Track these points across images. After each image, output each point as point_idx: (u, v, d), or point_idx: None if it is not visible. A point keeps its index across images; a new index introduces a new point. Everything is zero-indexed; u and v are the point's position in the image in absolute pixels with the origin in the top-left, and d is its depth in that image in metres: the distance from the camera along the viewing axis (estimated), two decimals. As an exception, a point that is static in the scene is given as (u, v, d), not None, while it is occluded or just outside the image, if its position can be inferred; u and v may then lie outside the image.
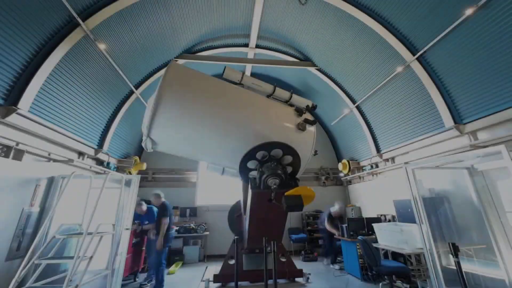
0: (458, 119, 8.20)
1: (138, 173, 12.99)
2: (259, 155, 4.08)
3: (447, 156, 8.41)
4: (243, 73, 5.02)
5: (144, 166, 13.15)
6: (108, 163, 11.15)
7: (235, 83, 5.02)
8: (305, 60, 13.35)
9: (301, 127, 4.58)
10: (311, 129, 4.74)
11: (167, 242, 8.68)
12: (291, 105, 5.01)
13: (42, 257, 5.71)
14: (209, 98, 4.30)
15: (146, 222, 9.59)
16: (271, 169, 4.03)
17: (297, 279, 9.33)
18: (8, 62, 6.25)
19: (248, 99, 4.79)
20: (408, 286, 8.20)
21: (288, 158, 4.22)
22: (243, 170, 4.26)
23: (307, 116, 4.82)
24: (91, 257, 5.81)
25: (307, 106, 5.02)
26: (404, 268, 7.72)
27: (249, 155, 4.04)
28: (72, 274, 5.16)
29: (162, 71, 11.41)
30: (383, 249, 8.80)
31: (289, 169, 4.32)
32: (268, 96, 5.06)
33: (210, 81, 4.62)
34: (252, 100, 4.80)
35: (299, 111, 4.78)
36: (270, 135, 4.26)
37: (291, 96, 5.03)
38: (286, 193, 3.68)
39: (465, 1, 6.73)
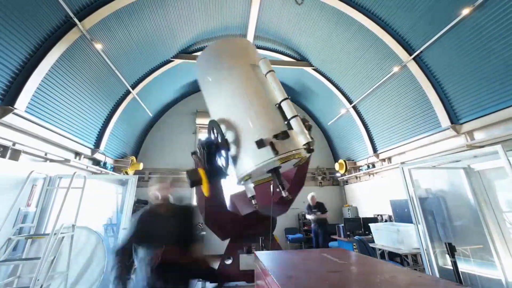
0: (454, 119, 8.23)
1: (134, 173, 12.95)
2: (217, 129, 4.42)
3: (443, 156, 8.43)
4: (272, 71, 5.08)
5: (141, 166, 13.10)
6: (104, 163, 11.12)
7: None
8: (301, 60, 13.36)
9: (258, 143, 4.57)
10: (266, 152, 4.65)
11: None
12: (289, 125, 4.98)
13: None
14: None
15: None
16: (202, 144, 4.52)
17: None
18: (4, 62, 6.24)
19: (258, 92, 4.95)
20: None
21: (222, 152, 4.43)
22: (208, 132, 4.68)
23: (279, 146, 4.68)
24: (54, 258, 5.74)
25: (285, 132, 4.90)
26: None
27: (212, 123, 4.40)
28: (38, 274, 5.15)
29: (159, 71, 11.42)
30: (379, 249, 8.80)
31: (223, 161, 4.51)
32: (276, 104, 5.07)
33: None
34: (260, 95, 4.94)
35: (278, 135, 4.72)
36: (238, 124, 4.49)
37: (294, 116, 4.99)
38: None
39: (461, 1, 6.75)
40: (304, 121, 6.03)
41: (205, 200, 5.29)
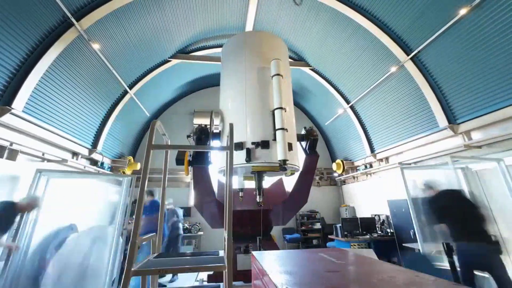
0: (452, 119, 8.24)
1: (132, 173, 12.92)
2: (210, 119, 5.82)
3: (442, 157, 8.45)
4: (281, 75, 5.15)
5: (138, 166, 13.06)
6: (102, 163, 11.10)
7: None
8: (299, 60, 13.39)
9: (236, 145, 4.76)
10: (241, 155, 4.80)
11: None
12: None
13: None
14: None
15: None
16: (195, 130, 5.48)
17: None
18: (2, 62, 6.22)
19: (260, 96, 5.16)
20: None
21: None
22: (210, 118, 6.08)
23: (256, 154, 4.81)
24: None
25: (265, 142, 4.99)
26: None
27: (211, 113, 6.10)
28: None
29: (156, 71, 11.41)
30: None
31: None
32: (271, 110, 5.12)
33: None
34: (256, 101, 5.14)
35: (257, 143, 4.81)
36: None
37: (280, 129, 4.99)
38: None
39: (459, 1, 6.76)
40: (311, 132, 6.21)
41: (194, 184, 5.72)
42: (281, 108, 4.85)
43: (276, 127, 4.74)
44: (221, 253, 3.25)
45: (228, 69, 5.91)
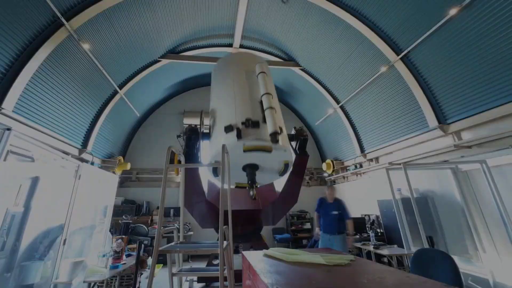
0: (442, 119, 8.28)
1: (122, 173, 12.90)
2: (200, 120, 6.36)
3: (431, 157, 8.51)
4: (265, 73, 5.32)
5: (128, 166, 12.99)
6: (92, 163, 11.04)
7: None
8: (289, 60, 13.39)
9: (226, 128, 4.90)
10: (231, 137, 4.81)
11: None
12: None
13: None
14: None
15: None
16: (185, 130, 5.85)
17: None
18: (-9, 62, 6.20)
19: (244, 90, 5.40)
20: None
21: None
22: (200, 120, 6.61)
23: (246, 133, 4.82)
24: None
25: (255, 121, 5.00)
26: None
27: (200, 114, 6.48)
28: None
29: (147, 71, 11.38)
30: (365, 249, 8.87)
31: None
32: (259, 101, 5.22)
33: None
34: (244, 90, 5.36)
35: (247, 123, 4.84)
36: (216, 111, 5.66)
37: (268, 108, 5.01)
38: None
39: (449, 1, 6.80)
40: (301, 132, 6.26)
41: (185, 185, 5.82)
42: (268, 93, 4.95)
43: (265, 108, 4.83)
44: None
45: (221, 78, 6.17)
